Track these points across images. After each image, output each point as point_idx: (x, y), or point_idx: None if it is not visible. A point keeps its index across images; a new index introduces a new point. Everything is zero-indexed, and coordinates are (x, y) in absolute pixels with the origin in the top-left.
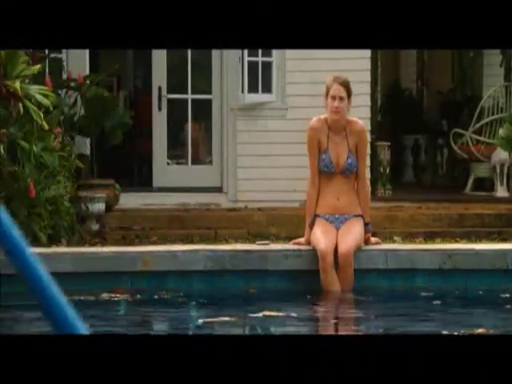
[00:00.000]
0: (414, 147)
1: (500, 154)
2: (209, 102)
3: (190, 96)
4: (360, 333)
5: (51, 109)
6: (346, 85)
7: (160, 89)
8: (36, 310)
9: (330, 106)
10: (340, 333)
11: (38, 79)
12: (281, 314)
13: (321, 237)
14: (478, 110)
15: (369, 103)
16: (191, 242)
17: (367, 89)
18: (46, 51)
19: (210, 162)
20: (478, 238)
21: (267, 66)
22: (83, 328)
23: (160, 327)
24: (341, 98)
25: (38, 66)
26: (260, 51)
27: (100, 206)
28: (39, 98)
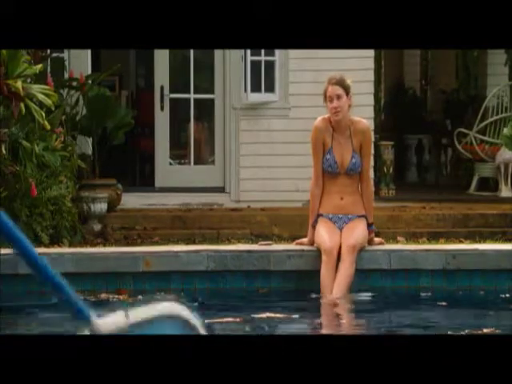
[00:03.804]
0: (418, 147)
1: (504, 154)
2: (211, 102)
3: (192, 95)
4: (363, 333)
5: (53, 108)
6: (340, 83)
7: (162, 88)
8: (36, 310)
9: (329, 109)
10: (343, 333)
11: (39, 79)
12: (283, 314)
13: (325, 236)
14: (482, 110)
15: (372, 103)
16: (193, 242)
17: (371, 88)
18: (48, 51)
19: (213, 162)
20: (482, 238)
21: (270, 66)
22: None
23: None
24: (338, 97)
25: (39, 66)
26: (263, 50)
27: (102, 206)
28: (41, 97)
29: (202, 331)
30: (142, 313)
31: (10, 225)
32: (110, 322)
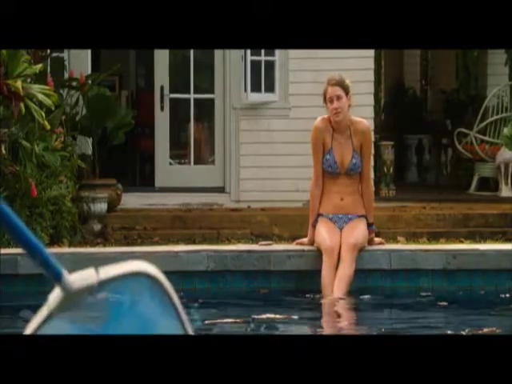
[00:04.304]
0: (418, 147)
1: (504, 154)
2: (211, 102)
3: (192, 95)
4: (363, 333)
5: (53, 108)
6: (340, 83)
7: (162, 88)
8: (36, 310)
9: (330, 110)
10: (343, 333)
11: (39, 79)
12: (283, 314)
13: (326, 235)
14: (482, 110)
15: (372, 103)
16: (193, 242)
17: (371, 88)
18: (48, 50)
19: (213, 162)
20: (483, 238)
21: (270, 65)
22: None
23: None
24: (338, 98)
25: (39, 66)
26: (263, 50)
27: (102, 206)
28: (41, 97)
29: (171, 290)
30: (111, 270)
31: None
32: (80, 279)
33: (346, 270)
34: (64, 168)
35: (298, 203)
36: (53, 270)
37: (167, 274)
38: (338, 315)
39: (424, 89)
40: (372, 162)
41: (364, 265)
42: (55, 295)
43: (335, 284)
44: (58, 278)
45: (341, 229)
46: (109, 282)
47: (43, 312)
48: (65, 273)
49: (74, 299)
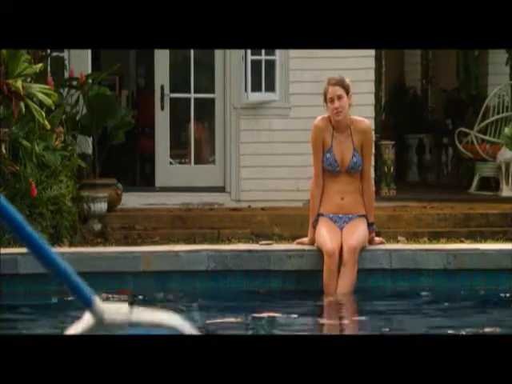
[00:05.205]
0: (419, 146)
1: (505, 153)
2: (212, 101)
3: (192, 95)
4: (364, 333)
5: (53, 108)
6: (340, 83)
7: (162, 88)
8: (36, 309)
9: (330, 109)
10: (344, 333)
11: (39, 78)
12: (283, 314)
13: (327, 236)
14: (483, 109)
15: (373, 102)
16: (194, 241)
17: (371, 87)
18: (48, 50)
19: (213, 162)
20: (483, 237)
21: (271, 65)
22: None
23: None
24: (339, 97)
25: (39, 65)
26: (263, 50)
27: (102, 206)
28: (41, 97)
29: None
30: (145, 315)
31: (8, 207)
32: (112, 312)
33: (349, 273)
34: (64, 167)
35: (299, 203)
36: (83, 296)
37: (167, 273)
38: (338, 315)
39: (425, 88)
40: (373, 162)
41: (365, 264)
42: (86, 320)
43: (338, 289)
44: (88, 304)
45: (341, 228)
46: (140, 326)
47: (76, 330)
48: (96, 299)
49: (103, 329)
